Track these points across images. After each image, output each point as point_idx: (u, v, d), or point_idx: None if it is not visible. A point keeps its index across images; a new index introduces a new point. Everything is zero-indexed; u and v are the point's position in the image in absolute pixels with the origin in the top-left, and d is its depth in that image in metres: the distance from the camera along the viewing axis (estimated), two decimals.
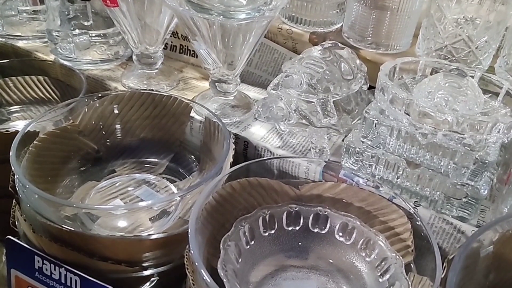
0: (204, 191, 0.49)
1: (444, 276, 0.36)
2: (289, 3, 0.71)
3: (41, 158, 0.59)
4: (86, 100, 0.65)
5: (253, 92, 0.75)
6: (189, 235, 0.43)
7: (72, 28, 0.81)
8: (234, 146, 0.61)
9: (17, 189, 0.52)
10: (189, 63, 0.84)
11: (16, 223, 0.55)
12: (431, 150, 0.51)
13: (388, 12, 0.64)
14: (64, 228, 0.48)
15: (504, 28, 0.62)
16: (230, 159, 0.58)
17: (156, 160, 0.68)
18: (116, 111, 0.66)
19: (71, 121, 0.64)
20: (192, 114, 0.67)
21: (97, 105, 0.65)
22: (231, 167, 0.56)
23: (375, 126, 0.54)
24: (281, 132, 0.65)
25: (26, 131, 0.57)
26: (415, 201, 0.54)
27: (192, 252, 0.42)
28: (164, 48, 0.83)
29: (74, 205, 0.57)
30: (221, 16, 0.59)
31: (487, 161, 0.50)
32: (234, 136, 0.64)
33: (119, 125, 0.67)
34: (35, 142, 0.59)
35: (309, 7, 0.70)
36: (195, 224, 0.45)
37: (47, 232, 0.49)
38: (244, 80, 0.79)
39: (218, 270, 0.44)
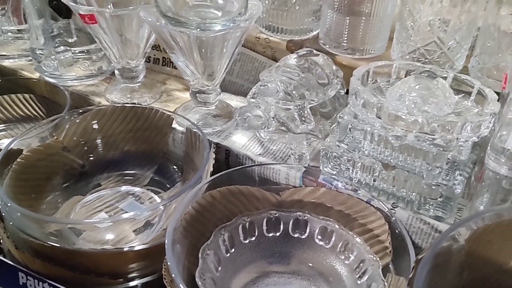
0: (182, 201, 0.50)
1: (412, 275, 0.37)
2: (266, 13, 0.72)
3: (25, 175, 0.60)
4: (69, 116, 0.66)
5: (235, 101, 0.76)
6: (165, 246, 0.44)
7: (56, 46, 0.82)
8: (214, 156, 0.62)
9: (0, 207, 0.53)
10: (172, 75, 0.85)
11: (1, 241, 0.56)
12: (404, 152, 0.52)
13: (362, 18, 0.65)
14: (46, 244, 0.49)
15: (475, 28, 0.63)
16: (210, 168, 0.59)
17: (140, 172, 0.69)
18: (99, 126, 0.67)
19: (55, 137, 0.65)
20: (174, 125, 0.68)
21: (80, 120, 0.66)
22: (212, 176, 0.57)
23: (350, 130, 0.55)
24: (262, 140, 0.66)
25: (8, 149, 0.58)
26: (392, 203, 0.55)
27: (169, 263, 0.42)
28: (147, 61, 0.85)
29: (56, 221, 0.58)
30: (198, 29, 0.60)
31: (459, 160, 0.51)
32: (215, 146, 0.65)
33: (102, 139, 0.68)
34: (18, 159, 0.60)
35: (285, 16, 0.71)
36: (172, 235, 0.46)
37: (30, 248, 0.50)
38: (226, 89, 0.80)
39: (196, 280, 0.45)
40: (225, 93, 0.78)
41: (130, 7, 0.68)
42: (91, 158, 0.67)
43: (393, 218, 0.52)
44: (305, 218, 0.56)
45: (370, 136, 0.53)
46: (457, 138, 0.49)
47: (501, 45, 0.61)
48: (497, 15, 0.61)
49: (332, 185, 0.58)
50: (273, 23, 0.72)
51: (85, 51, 0.82)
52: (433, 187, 0.52)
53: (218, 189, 0.55)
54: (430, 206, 0.53)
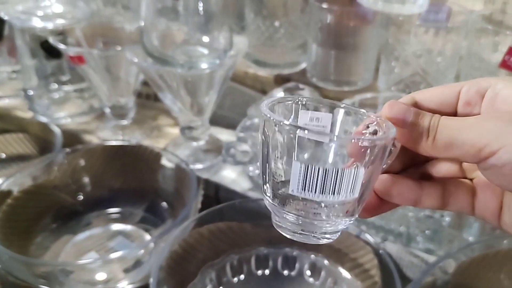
0: (168, 239, 0.50)
1: None
2: (253, 48, 0.73)
3: (15, 216, 0.60)
4: (60, 155, 0.67)
5: (226, 135, 0.77)
6: (150, 286, 0.44)
7: (49, 84, 0.83)
8: (203, 192, 0.62)
9: None
10: (163, 110, 0.85)
11: None
12: None
13: (347, 51, 0.66)
14: (32, 286, 0.49)
15: (458, 58, 0.64)
16: (198, 205, 0.59)
17: (130, 210, 0.69)
18: (89, 165, 0.67)
19: (46, 176, 0.65)
20: (164, 162, 0.68)
21: (70, 159, 0.67)
22: (200, 212, 0.57)
23: None
24: (252, 174, 0.66)
25: None
26: (382, 236, 0.55)
27: None
28: (138, 97, 0.85)
29: (46, 264, 0.58)
30: (184, 68, 0.61)
31: None
32: (204, 182, 0.65)
33: (92, 178, 0.68)
34: (9, 200, 0.60)
35: (272, 50, 0.72)
36: (157, 274, 0.46)
37: None
38: (217, 123, 0.80)
39: None
40: (216, 126, 0.78)
41: (118, 48, 0.69)
42: (82, 197, 0.68)
43: (382, 252, 0.52)
44: (294, 254, 0.55)
45: None
46: None
47: (484, 74, 0.62)
48: (479, 44, 0.62)
49: None
50: (261, 58, 0.73)
51: (77, 89, 0.83)
52: (421, 220, 0.52)
53: (206, 226, 0.55)
54: (419, 239, 0.53)
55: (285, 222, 0.26)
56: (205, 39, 0.64)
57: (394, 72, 0.64)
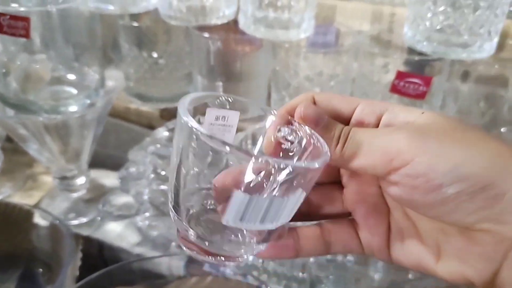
0: None
1: None
2: (134, 81, 0.66)
3: None
4: None
5: (112, 178, 0.69)
6: None
7: None
8: (81, 254, 0.54)
9: None
10: None
11: None
12: None
13: (234, 81, 0.61)
14: None
15: (350, 80, 0.62)
16: (76, 272, 0.51)
17: (1, 278, 0.59)
18: None
19: None
20: (36, 220, 0.59)
21: None
22: (84, 274, 0.49)
23: None
24: (140, 226, 0.59)
25: None
26: (285, 284, 0.50)
27: None
28: (7, 141, 0.75)
29: None
30: (49, 113, 0.52)
31: None
32: (83, 239, 0.57)
33: None
34: None
35: (154, 82, 0.65)
36: None
37: None
38: (102, 164, 0.72)
39: None
40: (100, 169, 0.70)
41: None
42: None
43: None
44: None
45: None
46: None
47: (377, 96, 0.59)
48: (371, 65, 0.60)
49: (220, 271, 0.52)
50: (143, 92, 0.66)
51: None
52: (323, 265, 0.48)
53: None
54: (325, 284, 0.49)
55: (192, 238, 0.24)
56: (72, 76, 0.56)
57: (285, 101, 0.60)
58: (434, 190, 0.22)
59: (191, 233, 0.24)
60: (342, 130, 0.25)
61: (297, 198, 0.23)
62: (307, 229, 0.27)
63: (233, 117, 0.26)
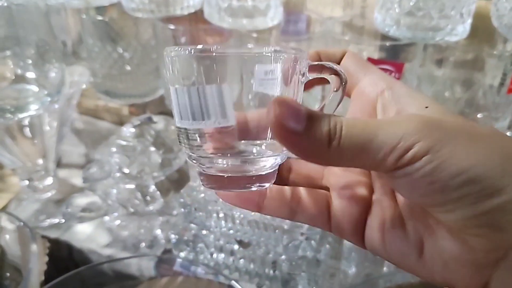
0: None
1: None
2: (101, 77, 0.63)
3: None
4: None
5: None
6: None
7: None
8: (47, 259, 0.52)
9: None
10: None
11: None
12: (255, 227, 0.46)
13: None
14: None
15: None
16: (41, 277, 0.49)
17: None
18: None
19: None
20: (4, 224, 0.57)
21: None
22: (54, 278, 0.47)
23: (195, 209, 0.48)
24: (110, 226, 0.57)
25: None
26: (258, 282, 0.49)
27: None
28: None
29: None
30: (12, 113, 0.50)
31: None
32: (50, 242, 0.55)
33: None
34: None
35: (122, 78, 0.63)
36: None
37: None
38: (74, 164, 0.70)
39: None
40: (71, 169, 0.68)
41: None
42: None
43: None
44: None
45: (215, 215, 0.47)
46: None
47: None
48: None
49: (190, 271, 0.50)
50: (111, 88, 0.64)
51: None
52: (294, 262, 0.46)
53: None
54: (298, 282, 0.48)
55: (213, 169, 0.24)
56: (32, 74, 0.54)
57: None
58: (438, 191, 0.20)
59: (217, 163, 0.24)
60: (330, 124, 0.20)
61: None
62: (277, 191, 0.26)
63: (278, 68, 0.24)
